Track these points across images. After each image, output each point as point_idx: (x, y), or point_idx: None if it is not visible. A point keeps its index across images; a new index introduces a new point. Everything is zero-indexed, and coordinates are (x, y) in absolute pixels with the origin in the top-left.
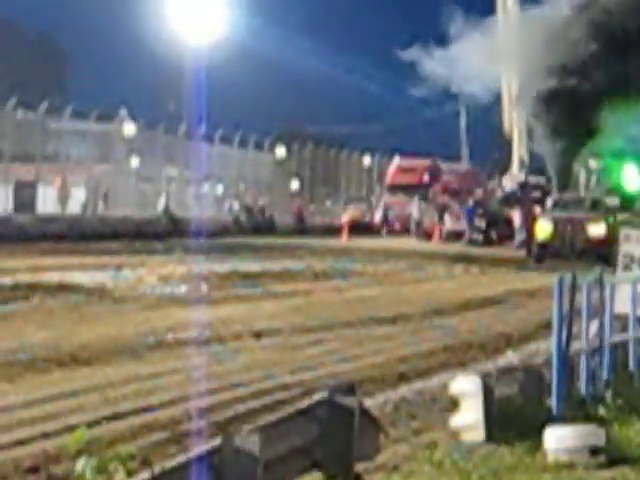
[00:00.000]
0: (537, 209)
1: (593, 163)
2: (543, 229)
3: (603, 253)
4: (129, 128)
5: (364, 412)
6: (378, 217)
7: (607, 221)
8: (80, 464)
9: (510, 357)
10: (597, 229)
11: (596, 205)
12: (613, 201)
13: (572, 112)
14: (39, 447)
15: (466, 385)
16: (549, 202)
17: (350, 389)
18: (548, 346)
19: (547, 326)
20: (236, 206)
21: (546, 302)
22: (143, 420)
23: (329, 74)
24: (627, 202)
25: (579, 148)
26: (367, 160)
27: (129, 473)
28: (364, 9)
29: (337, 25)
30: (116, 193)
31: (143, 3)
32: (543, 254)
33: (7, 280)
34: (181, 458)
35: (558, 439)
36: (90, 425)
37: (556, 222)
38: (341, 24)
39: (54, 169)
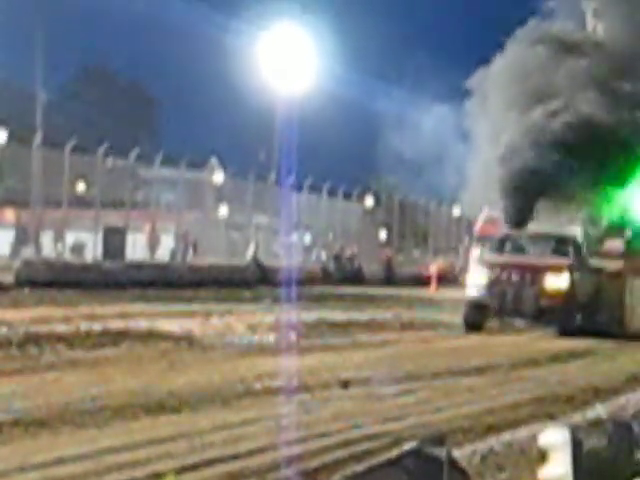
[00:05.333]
0: None
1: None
2: (475, 280)
3: (564, 315)
4: (219, 176)
5: (453, 463)
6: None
7: (572, 270)
8: None
9: (599, 410)
10: (556, 280)
11: (563, 246)
12: (617, 245)
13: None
14: None
15: (555, 437)
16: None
17: (440, 440)
18: (637, 399)
19: (635, 379)
20: (324, 255)
21: (635, 355)
22: (231, 468)
23: (419, 122)
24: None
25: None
26: (457, 210)
27: None
28: (458, 61)
29: (430, 75)
30: (205, 240)
31: (234, 52)
32: (476, 315)
33: (96, 326)
34: None
35: None
36: (178, 472)
37: (495, 270)
38: (435, 74)
39: (144, 216)
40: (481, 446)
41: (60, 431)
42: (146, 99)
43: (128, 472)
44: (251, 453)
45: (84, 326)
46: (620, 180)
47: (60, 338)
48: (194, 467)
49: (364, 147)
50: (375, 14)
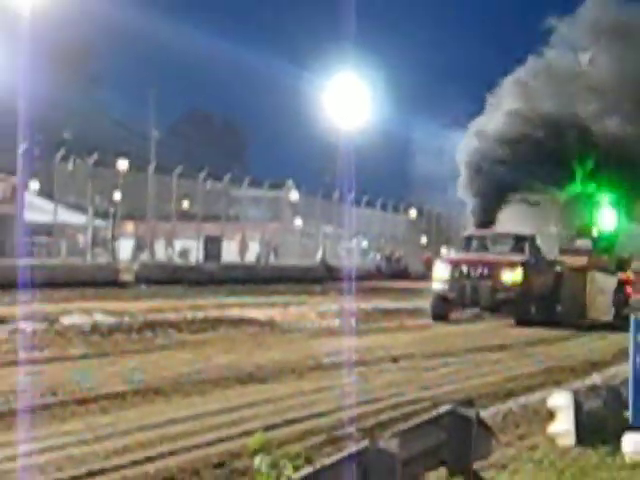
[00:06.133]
0: None
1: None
2: (439, 275)
3: (518, 307)
4: (294, 195)
5: (480, 421)
6: None
7: (526, 266)
8: (257, 461)
9: (595, 378)
10: (511, 275)
11: (520, 244)
12: (585, 244)
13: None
14: (224, 447)
15: (560, 400)
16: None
17: (470, 403)
18: (625, 370)
19: (623, 354)
20: (378, 257)
21: (624, 334)
22: (306, 426)
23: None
24: (601, 244)
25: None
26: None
27: (295, 468)
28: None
29: (448, 106)
30: (283, 246)
31: (306, 97)
32: (441, 307)
33: (199, 315)
34: (336, 457)
35: (634, 444)
36: (265, 430)
37: (456, 266)
38: (453, 103)
39: (235, 227)
40: (502, 407)
41: (171, 398)
42: (237, 134)
43: (225, 431)
44: (321, 414)
45: (189, 315)
46: (585, 188)
47: (170, 324)
48: (277, 426)
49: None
50: (415, 66)
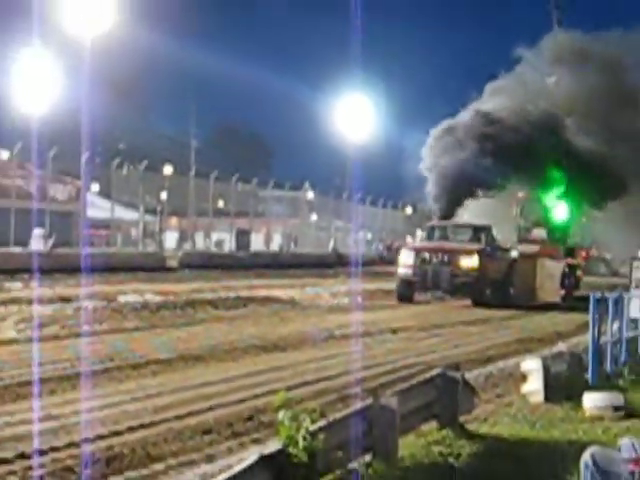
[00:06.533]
0: None
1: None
2: (404, 261)
3: (474, 290)
4: (310, 195)
5: (465, 382)
6: None
7: (482, 253)
8: (281, 415)
9: (560, 346)
10: (468, 261)
11: (477, 234)
12: (541, 233)
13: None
14: (252, 404)
15: (531, 365)
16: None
17: (456, 367)
18: (586, 339)
19: (584, 326)
20: (380, 246)
21: (577, 311)
22: (320, 387)
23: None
24: (555, 234)
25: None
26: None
27: (312, 421)
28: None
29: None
30: (301, 238)
31: (320, 113)
32: (405, 290)
33: (231, 294)
34: (345, 412)
35: (592, 400)
36: (286, 390)
37: (420, 253)
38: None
39: (261, 222)
40: (483, 371)
41: (209, 363)
42: (262, 145)
43: (252, 390)
44: (332, 377)
45: (224, 294)
46: (541, 185)
47: (208, 302)
48: (296, 386)
49: (402, 173)
50: (409, 88)
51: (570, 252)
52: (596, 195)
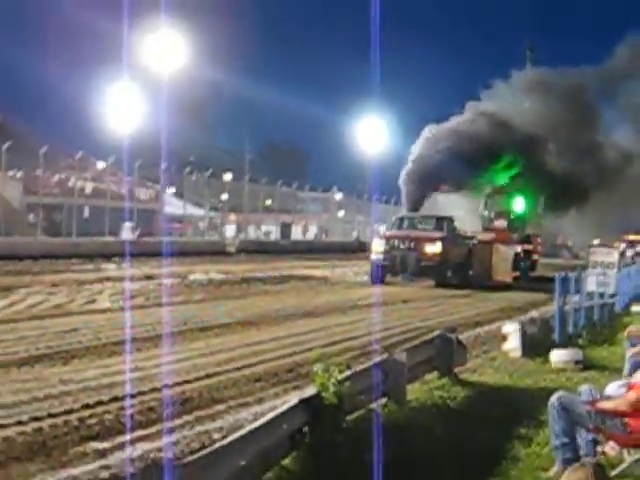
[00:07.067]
0: None
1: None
2: (376, 248)
3: (437, 272)
4: (338, 195)
5: (459, 341)
6: None
7: (444, 240)
8: (315, 367)
9: (533, 313)
10: (432, 247)
11: (441, 224)
12: (502, 223)
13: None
14: (292, 359)
15: (511, 328)
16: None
17: (452, 329)
18: (553, 308)
19: (551, 299)
20: None
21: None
22: (346, 345)
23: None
24: (515, 223)
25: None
26: None
27: (340, 372)
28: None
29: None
30: (331, 229)
31: (346, 130)
32: (377, 273)
33: (276, 273)
34: (366, 364)
35: (558, 356)
36: (321, 347)
37: (390, 241)
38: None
39: (300, 217)
40: (473, 332)
41: (260, 327)
42: (300, 156)
43: (293, 348)
44: (356, 337)
45: (271, 273)
46: (502, 180)
47: (259, 279)
48: (328, 345)
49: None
50: (415, 109)
51: (527, 239)
52: (562, 204)
